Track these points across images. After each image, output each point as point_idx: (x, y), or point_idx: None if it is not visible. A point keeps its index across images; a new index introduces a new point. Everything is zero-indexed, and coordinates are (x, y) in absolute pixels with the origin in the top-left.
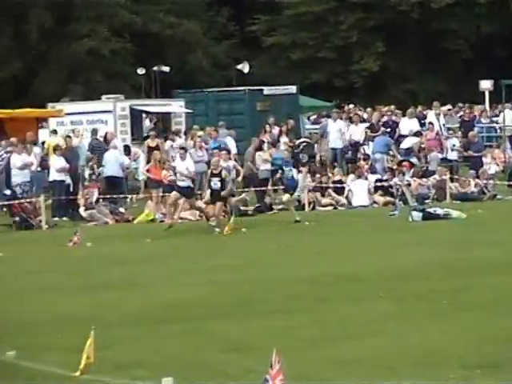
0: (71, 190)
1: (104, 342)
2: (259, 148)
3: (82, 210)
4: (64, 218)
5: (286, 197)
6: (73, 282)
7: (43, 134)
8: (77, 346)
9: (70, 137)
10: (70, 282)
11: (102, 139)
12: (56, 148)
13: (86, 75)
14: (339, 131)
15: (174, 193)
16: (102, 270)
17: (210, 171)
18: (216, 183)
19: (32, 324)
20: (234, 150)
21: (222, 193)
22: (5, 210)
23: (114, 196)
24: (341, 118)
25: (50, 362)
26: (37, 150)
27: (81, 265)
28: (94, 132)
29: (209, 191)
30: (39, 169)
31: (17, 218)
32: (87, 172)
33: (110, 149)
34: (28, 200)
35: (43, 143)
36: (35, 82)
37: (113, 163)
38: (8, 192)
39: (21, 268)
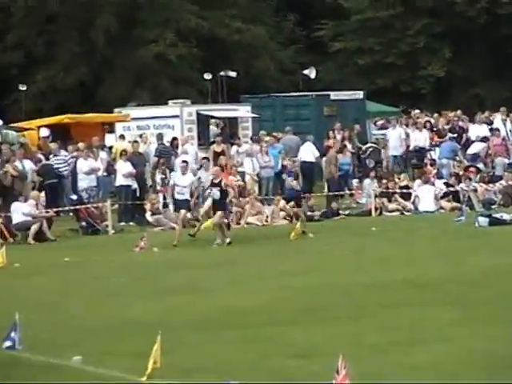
0: (138, 195)
1: (170, 347)
2: (340, 151)
3: (148, 214)
4: (130, 223)
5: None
6: (139, 287)
7: (110, 139)
8: (143, 351)
9: (137, 142)
10: (136, 288)
11: (168, 144)
12: (122, 153)
13: (153, 80)
14: (399, 138)
15: (207, 203)
16: (167, 275)
17: (210, 181)
18: (216, 193)
19: (98, 329)
20: (316, 154)
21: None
22: (71, 214)
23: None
24: (405, 125)
25: (116, 367)
26: (103, 154)
27: (147, 270)
28: (160, 137)
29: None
30: (105, 174)
31: (83, 223)
32: (159, 176)
33: (181, 154)
34: (94, 205)
35: (110, 148)
36: (102, 88)
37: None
38: (74, 197)
39: (87, 273)
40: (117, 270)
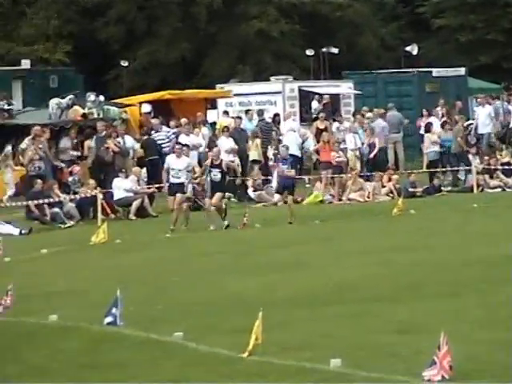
0: (240, 170)
1: (271, 323)
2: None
3: (250, 190)
4: (232, 199)
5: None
6: (241, 264)
7: (211, 115)
8: (244, 327)
9: (240, 118)
10: (237, 264)
11: (269, 120)
12: (224, 129)
13: (255, 56)
14: (488, 116)
15: (218, 194)
16: (269, 251)
17: (209, 161)
18: (216, 174)
19: (199, 305)
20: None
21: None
22: None
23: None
24: (507, 101)
25: (217, 344)
26: (205, 130)
27: (249, 246)
28: (261, 113)
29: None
30: (207, 150)
31: None
32: (271, 152)
33: (288, 130)
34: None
35: (212, 124)
36: (204, 64)
37: (292, 144)
38: None
39: (188, 249)
40: (218, 246)
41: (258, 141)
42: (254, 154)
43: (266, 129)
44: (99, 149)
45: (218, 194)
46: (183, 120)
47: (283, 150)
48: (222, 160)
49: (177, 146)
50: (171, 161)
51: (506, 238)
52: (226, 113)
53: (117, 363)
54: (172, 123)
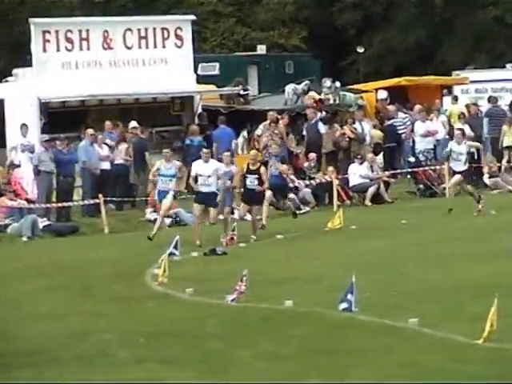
0: (475, 158)
1: (507, 310)
2: None
3: (485, 177)
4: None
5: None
6: (475, 250)
7: (446, 102)
8: (479, 313)
9: (476, 104)
10: (472, 250)
11: (505, 107)
12: (460, 116)
13: (491, 43)
14: None
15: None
16: (505, 237)
17: (245, 167)
18: (253, 181)
19: (434, 292)
20: None
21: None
22: (409, 177)
23: None
24: None
25: (452, 330)
26: (443, 118)
27: (484, 233)
28: (494, 100)
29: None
30: (447, 136)
31: (421, 186)
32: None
33: None
34: (432, 167)
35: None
36: (440, 50)
37: None
38: (412, 159)
39: (424, 236)
40: (453, 233)
41: None
42: (508, 140)
43: (495, 115)
44: (311, 136)
45: (256, 208)
46: (417, 107)
47: (275, 147)
48: (261, 165)
49: (204, 150)
50: (198, 166)
51: None
52: (455, 98)
53: (351, 349)
54: (416, 108)
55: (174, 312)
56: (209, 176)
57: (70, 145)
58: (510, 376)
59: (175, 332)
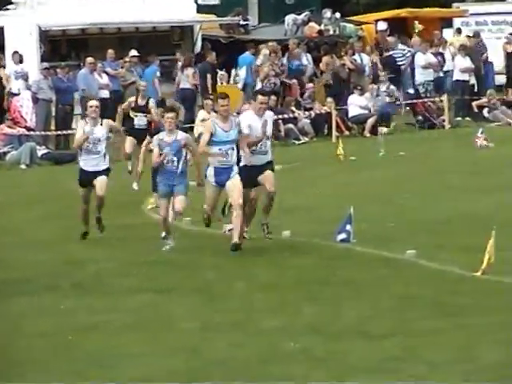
0: (475, 90)
1: (504, 243)
2: None
3: (485, 110)
4: (466, 118)
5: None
6: (473, 182)
7: (447, 34)
8: (476, 245)
9: (478, 36)
10: (470, 182)
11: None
12: (461, 48)
13: None
14: None
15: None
16: (502, 170)
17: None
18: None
19: (431, 223)
20: None
21: None
22: (408, 109)
23: None
24: None
25: (449, 262)
26: (452, 49)
27: (482, 165)
28: (476, 34)
29: None
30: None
31: (420, 118)
32: None
33: None
34: (431, 99)
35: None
36: None
37: None
38: (412, 91)
39: (421, 167)
40: (451, 165)
41: None
42: None
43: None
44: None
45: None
46: (416, 38)
47: None
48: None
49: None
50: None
51: None
52: (458, 31)
53: (348, 280)
54: (414, 40)
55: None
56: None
57: (70, 73)
58: (508, 308)
59: (172, 262)
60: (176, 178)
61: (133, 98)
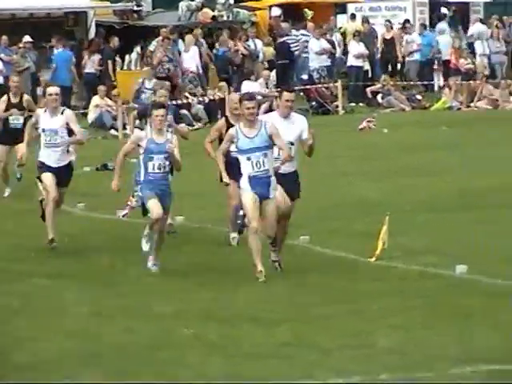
0: (369, 75)
1: (398, 228)
2: None
3: (379, 96)
4: (360, 104)
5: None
6: (368, 168)
7: (341, 20)
8: (369, 231)
9: (369, 22)
10: (364, 168)
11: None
12: (355, 34)
13: None
14: None
15: None
16: (397, 155)
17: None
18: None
19: (325, 209)
20: None
21: None
22: (302, 94)
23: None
24: None
25: (343, 247)
26: (338, 36)
27: (376, 151)
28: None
29: None
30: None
31: (313, 103)
32: None
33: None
34: (325, 85)
35: (339, 28)
36: None
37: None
38: (305, 77)
39: (315, 153)
40: (345, 150)
41: None
42: None
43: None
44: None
45: None
46: (309, 24)
47: None
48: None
49: None
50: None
51: None
52: (353, 16)
53: (242, 267)
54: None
55: (65, 226)
56: None
57: None
58: (401, 293)
59: (65, 247)
60: (166, 188)
61: (4, 97)
